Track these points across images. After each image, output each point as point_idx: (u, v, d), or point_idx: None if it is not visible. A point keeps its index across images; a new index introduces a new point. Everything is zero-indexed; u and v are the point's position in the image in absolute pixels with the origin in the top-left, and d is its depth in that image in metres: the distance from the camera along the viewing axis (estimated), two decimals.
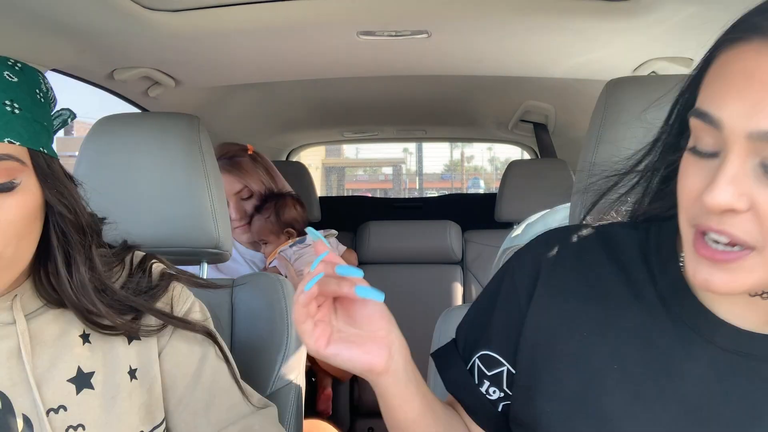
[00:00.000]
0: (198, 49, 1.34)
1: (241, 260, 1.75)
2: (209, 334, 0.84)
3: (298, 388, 1.05)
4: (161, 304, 0.81)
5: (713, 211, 0.50)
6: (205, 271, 1.22)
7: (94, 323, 0.75)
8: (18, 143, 0.67)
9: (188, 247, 1.12)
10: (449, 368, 0.75)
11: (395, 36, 1.28)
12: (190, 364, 0.82)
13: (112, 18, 1.08)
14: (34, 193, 0.69)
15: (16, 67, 0.70)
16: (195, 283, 0.87)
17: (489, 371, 0.71)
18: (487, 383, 0.71)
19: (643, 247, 0.65)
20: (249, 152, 1.78)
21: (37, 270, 0.75)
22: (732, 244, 0.51)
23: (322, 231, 1.80)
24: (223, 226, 1.13)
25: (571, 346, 0.63)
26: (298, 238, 1.74)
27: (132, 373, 0.76)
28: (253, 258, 1.77)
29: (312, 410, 1.82)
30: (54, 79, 1.17)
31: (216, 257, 1.16)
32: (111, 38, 1.19)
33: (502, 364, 0.70)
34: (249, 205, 1.74)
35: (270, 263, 1.72)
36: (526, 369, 0.67)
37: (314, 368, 1.83)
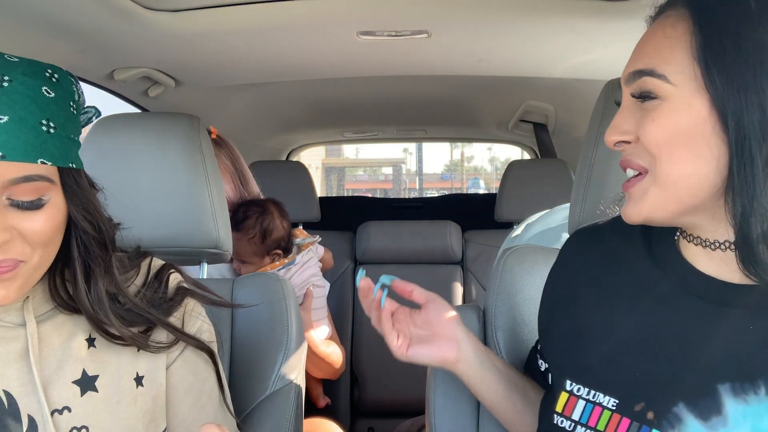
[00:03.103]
0: (198, 49, 1.34)
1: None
2: (212, 357, 0.85)
3: (298, 388, 1.05)
4: (173, 319, 0.82)
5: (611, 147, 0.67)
6: (204, 271, 1.22)
7: (104, 331, 0.75)
8: (50, 163, 0.67)
9: (188, 247, 1.12)
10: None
11: (395, 36, 1.28)
12: (195, 382, 0.83)
13: (112, 18, 1.08)
14: (60, 208, 0.70)
15: (53, 79, 0.69)
16: (210, 300, 0.88)
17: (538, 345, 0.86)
18: (538, 356, 0.86)
19: (645, 229, 0.74)
20: (212, 136, 1.47)
21: (53, 275, 0.75)
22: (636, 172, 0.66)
23: (302, 238, 1.61)
24: (223, 226, 1.13)
25: (571, 308, 0.76)
26: (287, 261, 1.51)
27: (139, 380, 0.77)
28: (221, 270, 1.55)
29: (314, 409, 1.81)
30: None
31: (216, 257, 1.16)
32: (111, 38, 1.19)
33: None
34: None
35: None
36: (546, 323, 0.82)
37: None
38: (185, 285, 0.85)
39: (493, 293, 1.01)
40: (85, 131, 1.17)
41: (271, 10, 1.15)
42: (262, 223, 1.47)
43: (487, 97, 2.25)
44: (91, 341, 0.76)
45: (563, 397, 0.70)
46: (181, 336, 0.80)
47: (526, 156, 3.02)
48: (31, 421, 0.69)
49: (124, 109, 1.68)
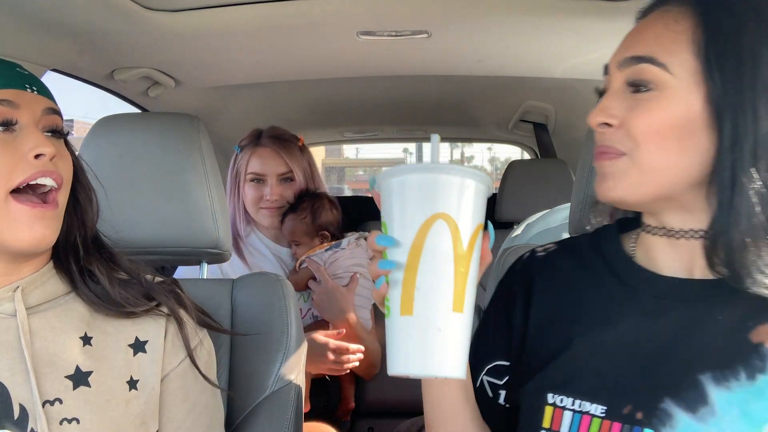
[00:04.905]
0: (198, 49, 1.34)
1: (268, 253, 1.73)
2: (181, 327, 0.86)
3: (298, 388, 1.05)
4: (173, 332, 0.84)
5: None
6: (205, 271, 1.22)
7: (98, 296, 0.79)
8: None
9: (188, 247, 1.12)
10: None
11: (395, 36, 1.28)
12: (193, 392, 0.84)
13: (112, 18, 1.08)
14: (69, 154, 0.81)
15: None
16: (202, 321, 0.90)
17: (501, 380, 0.78)
18: (502, 392, 0.78)
19: (593, 242, 0.77)
20: (300, 143, 1.76)
21: (56, 256, 0.82)
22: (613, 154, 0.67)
23: (352, 234, 1.75)
24: (223, 226, 1.12)
25: (546, 326, 0.75)
26: (334, 243, 1.69)
27: (132, 384, 0.78)
28: (278, 252, 1.74)
29: (324, 415, 1.80)
30: (54, 79, 1.18)
31: (216, 257, 1.16)
32: (111, 38, 1.19)
33: (510, 369, 0.78)
34: (288, 190, 1.68)
35: (300, 265, 1.68)
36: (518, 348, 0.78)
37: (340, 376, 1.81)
38: (180, 294, 0.88)
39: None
40: (84, 131, 1.17)
41: (271, 10, 1.15)
42: (313, 205, 1.68)
43: (487, 97, 2.25)
44: (86, 340, 0.78)
45: (548, 411, 0.69)
46: (156, 294, 0.84)
47: (526, 156, 3.02)
48: (22, 410, 0.71)
49: (124, 109, 1.68)
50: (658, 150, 0.64)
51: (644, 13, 0.70)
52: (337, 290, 1.60)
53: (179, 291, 0.88)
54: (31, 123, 0.75)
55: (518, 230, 1.50)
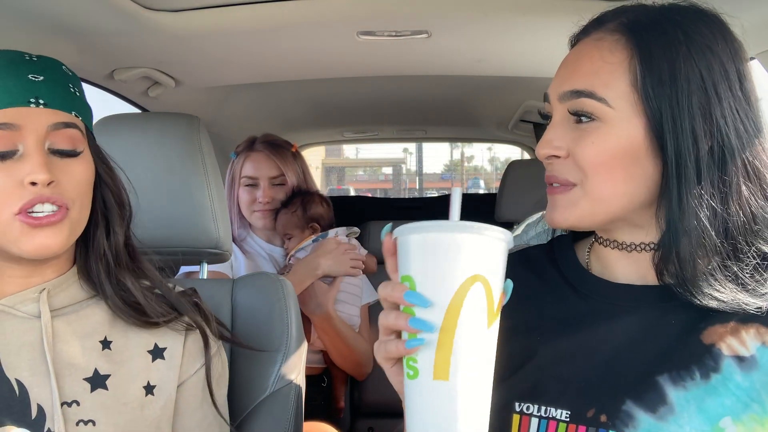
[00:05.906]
0: (198, 49, 1.34)
1: (264, 253, 1.78)
2: (205, 339, 0.86)
3: (298, 388, 1.05)
4: (192, 341, 0.85)
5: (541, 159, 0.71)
6: (205, 271, 1.22)
7: (126, 305, 0.79)
8: (80, 118, 0.78)
9: (188, 247, 1.12)
10: None
11: (395, 36, 1.28)
12: (205, 402, 0.86)
13: (112, 18, 1.08)
14: (90, 163, 0.79)
15: (65, 67, 0.82)
16: (218, 331, 0.90)
17: None
18: None
19: (549, 253, 0.80)
20: (293, 149, 1.85)
21: (81, 256, 0.82)
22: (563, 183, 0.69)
23: (344, 228, 1.79)
24: (223, 226, 1.13)
25: (509, 335, 0.72)
26: (321, 233, 1.75)
27: (149, 389, 0.79)
28: (272, 252, 1.80)
29: (321, 413, 1.80)
30: None
31: (216, 257, 1.16)
32: (111, 38, 1.19)
33: None
34: (280, 193, 1.76)
35: (289, 259, 1.74)
36: None
37: (332, 372, 1.82)
38: (201, 305, 0.89)
39: None
40: None
41: (271, 10, 1.15)
42: (303, 199, 1.77)
43: (487, 97, 2.25)
44: (106, 344, 0.78)
45: (516, 419, 0.71)
46: (181, 307, 0.84)
47: (526, 156, 3.02)
48: (40, 410, 0.71)
49: (124, 109, 1.68)
50: (606, 180, 0.67)
51: (577, 39, 0.73)
52: (316, 284, 1.63)
53: (200, 302, 0.89)
54: (34, 144, 0.72)
55: (518, 230, 1.50)
